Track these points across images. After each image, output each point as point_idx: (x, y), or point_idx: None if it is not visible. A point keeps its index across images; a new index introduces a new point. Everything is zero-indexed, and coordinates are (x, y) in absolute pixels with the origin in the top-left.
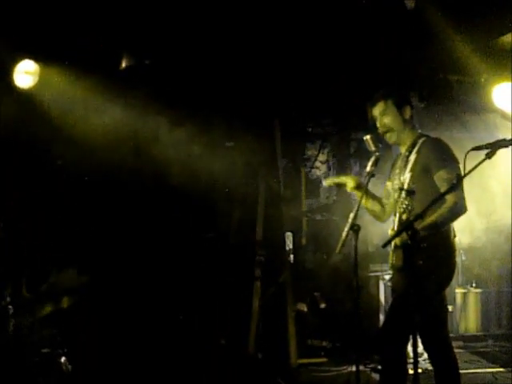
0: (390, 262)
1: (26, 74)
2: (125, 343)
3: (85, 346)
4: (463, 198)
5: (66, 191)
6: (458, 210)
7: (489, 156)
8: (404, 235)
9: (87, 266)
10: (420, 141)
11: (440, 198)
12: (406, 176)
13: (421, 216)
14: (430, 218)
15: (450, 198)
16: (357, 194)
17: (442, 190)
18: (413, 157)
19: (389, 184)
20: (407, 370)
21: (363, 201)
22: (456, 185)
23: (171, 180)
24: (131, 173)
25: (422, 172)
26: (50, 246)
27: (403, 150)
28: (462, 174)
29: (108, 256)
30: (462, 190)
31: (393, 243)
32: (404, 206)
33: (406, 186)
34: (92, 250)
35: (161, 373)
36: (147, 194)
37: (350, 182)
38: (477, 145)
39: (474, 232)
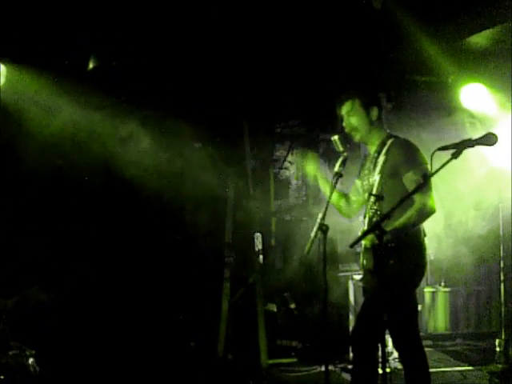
0: (361, 262)
1: None
2: (92, 345)
3: (53, 347)
4: (431, 199)
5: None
6: (427, 211)
7: (455, 156)
8: (373, 236)
9: (53, 280)
10: (389, 142)
11: (407, 197)
12: (375, 178)
13: (388, 216)
14: (399, 221)
15: (418, 199)
16: (319, 182)
17: (410, 189)
18: (381, 158)
19: (358, 182)
20: (378, 370)
21: (329, 196)
22: (424, 185)
23: (139, 182)
24: (98, 175)
25: (391, 174)
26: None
27: (372, 150)
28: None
29: (76, 259)
30: (431, 191)
31: (363, 245)
32: (373, 210)
33: (374, 190)
34: (60, 256)
35: (131, 375)
36: (114, 197)
37: (311, 164)
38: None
39: (444, 232)
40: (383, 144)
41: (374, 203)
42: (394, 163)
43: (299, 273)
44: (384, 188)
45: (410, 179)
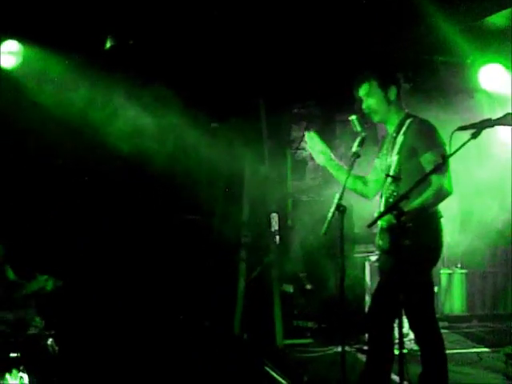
0: (377, 243)
1: (9, 54)
2: (111, 326)
3: (72, 328)
4: (449, 180)
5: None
6: (444, 192)
7: (474, 136)
8: (390, 217)
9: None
10: (407, 122)
11: (424, 178)
12: (393, 159)
13: (406, 196)
14: (416, 202)
15: (435, 181)
16: (330, 169)
17: (428, 170)
18: (400, 138)
19: (377, 161)
20: (393, 351)
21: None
22: (441, 166)
23: (155, 162)
24: (113, 155)
25: (409, 155)
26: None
27: (390, 129)
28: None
29: (92, 239)
30: (448, 172)
31: (379, 225)
32: (390, 191)
33: (392, 171)
34: (75, 234)
35: (146, 355)
36: (130, 177)
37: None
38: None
39: (461, 214)
40: (402, 124)
41: (391, 184)
42: (412, 144)
43: (316, 253)
44: (402, 169)
45: (427, 160)
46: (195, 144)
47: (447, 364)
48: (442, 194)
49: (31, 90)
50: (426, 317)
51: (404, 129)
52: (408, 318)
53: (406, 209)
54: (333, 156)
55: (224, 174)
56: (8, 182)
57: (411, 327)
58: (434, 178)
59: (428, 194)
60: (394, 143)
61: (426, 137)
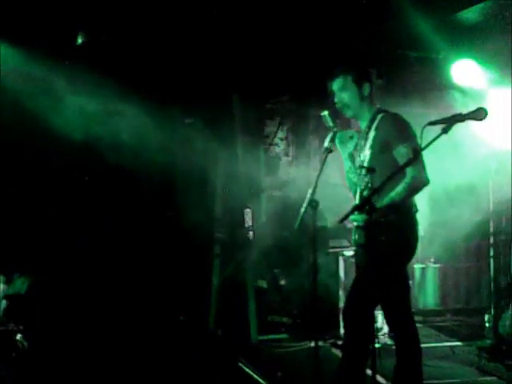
0: (353, 238)
1: None
2: (82, 321)
3: (42, 323)
4: (423, 171)
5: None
6: (418, 183)
7: (445, 130)
8: (364, 212)
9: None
10: (378, 116)
11: (398, 172)
12: (366, 153)
13: (378, 190)
14: (389, 196)
15: (409, 173)
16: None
17: (402, 163)
18: (372, 134)
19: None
20: (369, 345)
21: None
22: (414, 158)
23: (128, 158)
24: (88, 152)
25: (382, 148)
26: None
27: (363, 125)
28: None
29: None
30: (422, 163)
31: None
32: (364, 183)
33: (366, 164)
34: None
35: (119, 349)
36: (104, 173)
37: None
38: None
39: (435, 208)
40: (373, 119)
41: (365, 176)
42: (385, 137)
43: (289, 249)
44: (375, 162)
45: (400, 153)
46: (169, 140)
47: (421, 357)
48: (415, 186)
49: (11, 90)
50: (402, 311)
51: (376, 123)
52: (384, 313)
53: (378, 204)
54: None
55: (197, 169)
56: (6, 182)
57: (387, 321)
58: (408, 170)
59: (401, 187)
60: (366, 139)
61: (398, 130)
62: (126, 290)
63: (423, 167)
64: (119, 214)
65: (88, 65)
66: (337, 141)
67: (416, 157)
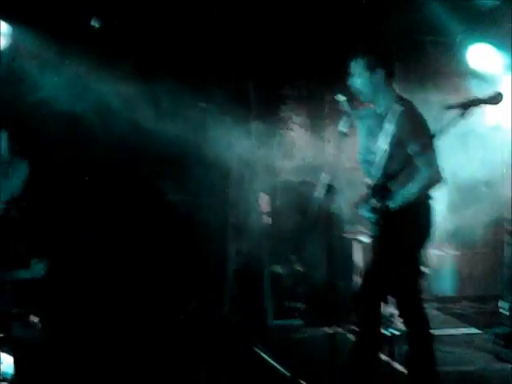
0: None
1: None
2: (97, 308)
3: (58, 307)
4: (437, 169)
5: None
6: (431, 182)
7: (462, 115)
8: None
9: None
10: (395, 107)
11: (411, 163)
12: (383, 147)
13: (392, 177)
14: (402, 193)
15: (422, 171)
16: None
17: (416, 161)
18: (388, 125)
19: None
20: (381, 330)
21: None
22: (429, 156)
23: (142, 142)
24: (105, 135)
25: (398, 143)
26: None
27: (378, 110)
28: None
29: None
30: (436, 160)
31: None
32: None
33: (382, 159)
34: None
35: (133, 336)
36: (117, 159)
37: None
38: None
39: (452, 194)
40: (390, 108)
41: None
42: (400, 133)
43: (304, 234)
44: (391, 157)
45: (413, 151)
46: (184, 124)
47: (433, 344)
48: (430, 184)
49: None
50: (412, 297)
51: (393, 116)
52: (395, 298)
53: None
54: None
55: (212, 154)
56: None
57: (397, 307)
58: (421, 168)
59: (414, 185)
60: (381, 127)
61: (413, 128)
62: (138, 275)
63: (437, 165)
64: (130, 201)
65: (102, 49)
66: (354, 117)
67: (431, 153)
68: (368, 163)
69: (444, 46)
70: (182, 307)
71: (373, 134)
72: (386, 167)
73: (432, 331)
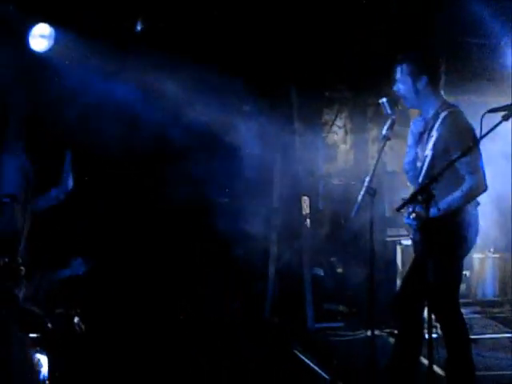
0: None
1: (41, 37)
2: (138, 307)
3: (98, 308)
4: (482, 178)
5: None
6: (475, 192)
7: (505, 118)
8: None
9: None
10: (442, 115)
11: (453, 162)
12: (428, 153)
13: (436, 179)
14: (446, 201)
15: (467, 181)
16: None
17: (460, 169)
18: (435, 133)
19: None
20: (423, 334)
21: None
22: (473, 164)
23: (186, 143)
24: (147, 136)
25: (442, 151)
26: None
27: (426, 116)
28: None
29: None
30: (481, 170)
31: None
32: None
33: (425, 166)
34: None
35: (174, 336)
36: (160, 159)
37: None
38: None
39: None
40: (437, 115)
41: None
42: (445, 141)
43: (346, 237)
44: (435, 164)
45: (460, 160)
46: (228, 126)
47: (471, 348)
48: (474, 194)
49: (63, 74)
50: (450, 302)
51: (439, 123)
52: (432, 302)
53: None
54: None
55: (255, 156)
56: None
57: (433, 310)
58: (466, 177)
59: (458, 194)
60: (429, 135)
61: (457, 137)
62: (180, 275)
63: (482, 174)
64: (173, 201)
65: (147, 52)
66: (412, 126)
67: (475, 161)
68: (415, 171)
69: (488, 48)
70: (224, 308)
71: (421, 141)
72: (429, 173)
73: (472, 336)
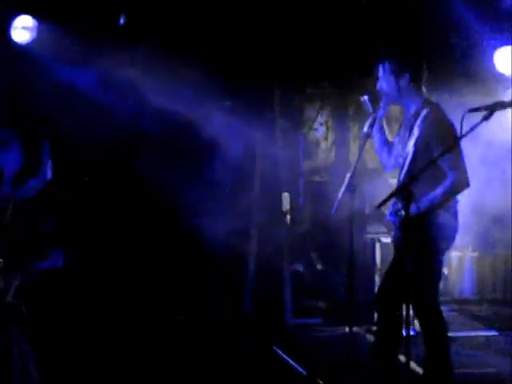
0: (392, 233)
1: (23, 29)
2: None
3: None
4: (463, 174)
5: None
6: (457, 188)
7: (485, 118)
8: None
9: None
10: (423, 112)
11: (435, 160)
12: (410, 150)
13: (416, 178)
14: (428, 198)
15: (449, 177)
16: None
17: (442, 165)
18: (416, 130)
19: (397, 139)
20: (402, 331)
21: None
22: (455, 160)
23: (166, 138)
24: (128, 133)
25: (424, 149)
26: None
27: (408, 113)
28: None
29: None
30: (462, 164)
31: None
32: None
33: (407, 163)
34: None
35: (154, 334)
36: (142, 156)
37: None
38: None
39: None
40: (418, 113)
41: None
42: (427, 138)
43: (326, 233)
44: (417, 161)
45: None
46: (208, 122)
47: (449, 346)
48: (456, 189)
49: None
50: (429, 299)
51: (420, 121)
52: (412, 299)
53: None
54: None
55: (236, 152)
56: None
57: (414, 308)
58: (448, 173)
59: (440, 190)
60: (410, 132)
61: (438, 133)
62: (160, 270)
63: (464, 170)
64: (149, 207)
65: (131, 47)
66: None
67: (457, 158)
68: (398, 167)
69: (470, 48)
70: (203, 305)
71: (403, 138)
72: (410, 170)
73: (450, 333)
